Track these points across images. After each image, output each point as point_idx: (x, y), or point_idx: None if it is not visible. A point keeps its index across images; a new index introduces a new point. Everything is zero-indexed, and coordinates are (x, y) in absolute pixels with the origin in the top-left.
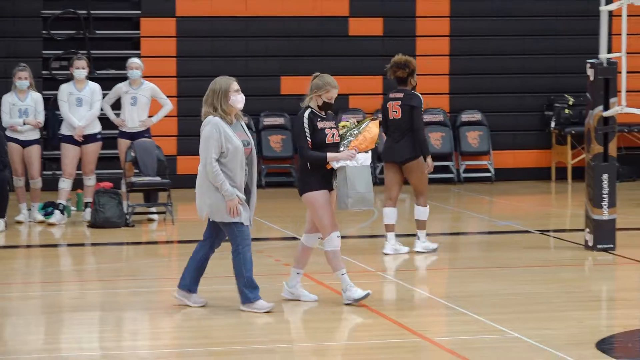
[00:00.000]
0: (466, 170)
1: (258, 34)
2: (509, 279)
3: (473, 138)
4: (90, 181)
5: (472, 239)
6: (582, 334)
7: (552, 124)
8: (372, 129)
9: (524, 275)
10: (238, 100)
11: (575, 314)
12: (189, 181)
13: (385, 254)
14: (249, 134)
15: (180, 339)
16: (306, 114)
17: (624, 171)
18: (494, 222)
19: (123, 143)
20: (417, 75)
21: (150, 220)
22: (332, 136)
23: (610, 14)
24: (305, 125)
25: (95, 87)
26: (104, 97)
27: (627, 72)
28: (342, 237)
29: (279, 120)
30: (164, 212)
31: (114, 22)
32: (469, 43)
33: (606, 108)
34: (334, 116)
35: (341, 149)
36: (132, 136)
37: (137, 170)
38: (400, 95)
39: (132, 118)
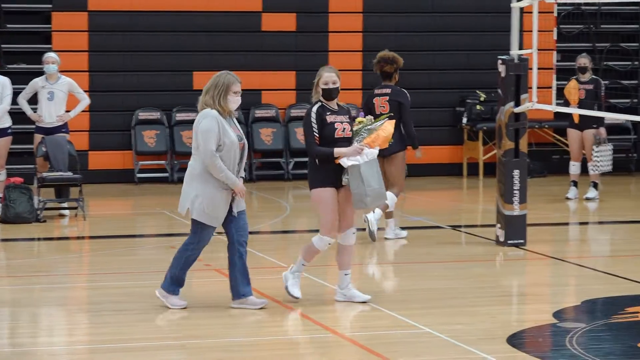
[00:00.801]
0: None
1: (170, 28)
2: (421, 275)
3: None
4: (0, 176)
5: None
6: (493, 329)
7: (464, 120)
8: (387, 128)
9: (436, 271)
10: (234, 101)
11: (486, 309)
12: (100, 176)
13: (386, 239)
14: (240, 129)
15: (94, 335)
16: (314, 108)
17: (534, 167)
18: (406, 218)
19: (39, 139)
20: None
21: (62, 215)
22: (343, 130)
23: (522, 10)
24: (313, 119)
25: (5, 81)
26: (20, 92)
27: (538, 69)
28: (254, 232)
29: (192, 116)
30: (75, 208)
31: (25, 16)
32: (382, 39)
33: (517, 104)
34: (348, 110)
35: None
36: (49, 131)
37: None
38: (388, 90)
39: (50, 113)
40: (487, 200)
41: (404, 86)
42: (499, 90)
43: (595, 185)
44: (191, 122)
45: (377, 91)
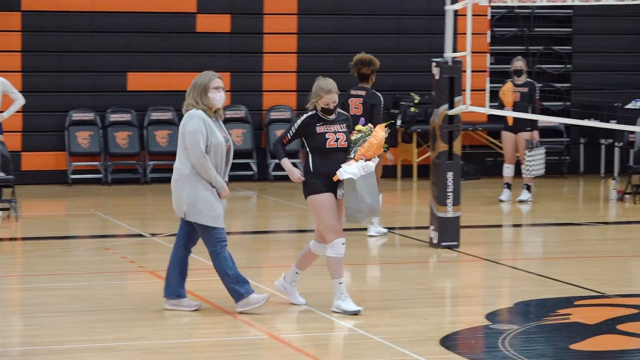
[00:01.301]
0: None
1: (104, 29)
2: (355, 276)
3: None
4: None
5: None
6: (426, 331)
7: (398, 122)
8: (378, 134)
9: (370, 273)
10: (216, 98)
11: (419, 311)
12: (33, 177)
13: (370, 236)
14: (227, 132)
15: (27, 337)
16: (304, 116)
17: (468, 169)
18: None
19: None
20: (266, 72)
21: None
22: (336, 141)
23: (456, 13)
24: (295, 126)
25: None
26: None
27: (472, 71)
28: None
29: (125, 117)
30: (7, 209)
31: None
32: (316, 40)
33: (451, 106)
34: (347, 119)
35: (350, 155)
36: None
37: None
38: (363, 92)
39: None
40: (421, 202)
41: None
42: (433, 93)
43: (528, 188)
44: (125, 123)
45: (352, 92)
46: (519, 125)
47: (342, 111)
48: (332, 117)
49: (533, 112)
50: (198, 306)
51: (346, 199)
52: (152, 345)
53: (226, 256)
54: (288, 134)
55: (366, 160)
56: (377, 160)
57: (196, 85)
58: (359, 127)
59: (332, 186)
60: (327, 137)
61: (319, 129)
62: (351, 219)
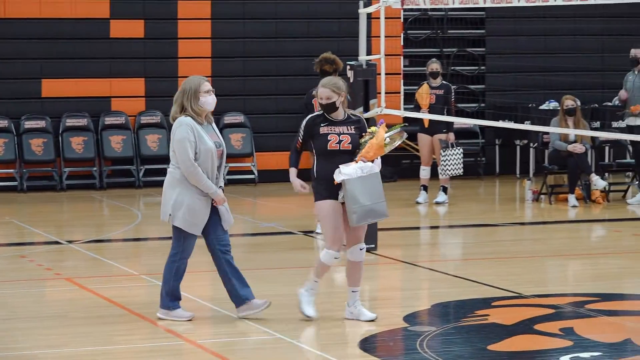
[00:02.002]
0: (230, 172)
1: (18, 35)
2: (273, 281)
3: (236, 140)
4: None
5: (236, 241)
6: (345, 334)
7: None
8: (379, 134)
9: (288, 277)
10: (208, 101)
11: (338, 314)
12: None
13: None
14: (220, 135)
15: None
16: (310, 116)
17: (384, 172)
18: (257, 224)
19: None
20: (182, 77)
21: None
22: (339, 142)
23: (369, 16)
24: (302, 127)
25: None
26: None
27: (386, 74)
28: (102, 241)
29: (40, 124)
30: None
31: None
32: (230, 45)
33: (366, 109)
34: (358, 121)
35: (356, 157)
36: None
37: None
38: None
39: None
40: None
41: (251, 93)
42: (348, 96)
43: (444, 190)
44: (40, 130)
45: (314, 92)
46: (435, 128)
47: (354, 113)
48: (340, 117)
49: (448, 114)
50: (266, 305)
51: (345, 202)
52: (70, 353)
53: (180, 268)
54: (299, 138)
55: (366, 161)
56: (379, 161)
57: (185, 91)
58: (372, 128)
59: (335, 191)
60: (329, 138)
61: (323, 129)
62: (349, 222)
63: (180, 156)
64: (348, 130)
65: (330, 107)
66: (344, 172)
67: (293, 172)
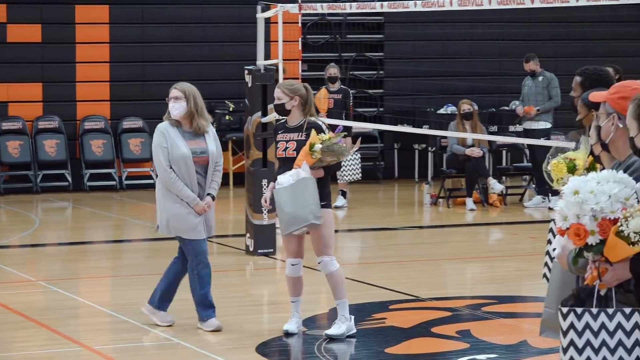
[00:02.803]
0: (128, 177)
1: None
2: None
3: (135, 145)
4: None
5: (135, 246)
6: (242, 338)
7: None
8: (309, 140)
9: (187, 282)
10: (170, 108)
11: (236, 319)
12: None
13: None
14: (212, 144)
15: None
16: (276, 122)
17: None
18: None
19: None
20: (80, 82)
21: None
22: (284, 150)
23: (267, 21)
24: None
25: None
26: None
27: (284, 79)
28: (3, 247)
29: None
30: None
31: None
32: (128, 50)
33: (265, 114)
34: (312, 128)
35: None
36: None
37: None
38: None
39: None
40: (237, 209)
41: (149, 97)
42: (247, 101)
43: (343, 194)
44: None
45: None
46: (334, 132)
47: (313, 119)
48: (294, 123)
49: (347, 119)
50: (218, 326)
51: None
52: None
53: (202, 274)
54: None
55: (299, 168)
56: (306, 167)
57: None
58: (320, 136)
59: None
60: (279, 145)
61: (279, 136)
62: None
63: (155, 163)
64: (299, 137)
65: (280, 109)
66: (278, 182)
67: (271, 184)
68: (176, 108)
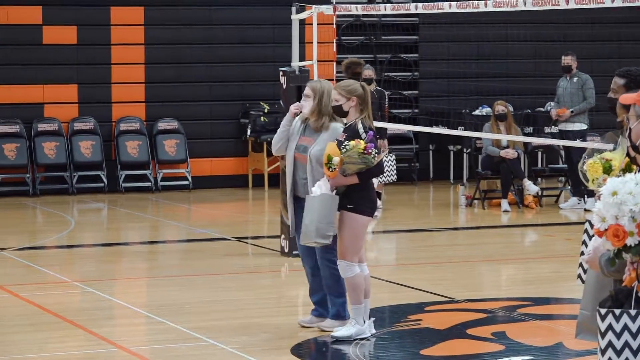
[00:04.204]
0: (164, 179)
1: None
2: (207, 287)
3: (170, 146)
4: None
5: (171, 247)
6: (277, 340)
7: (248, 132)
8: (327, 151)
9: (222, 283)
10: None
11: (271, 320)
12: None
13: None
14: (319, 144)
15: None
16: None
17: None
18: (192, 230)
19: None
20: (115, 84)
21: None
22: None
23: (302, 22)
24: None
25: None
26: None
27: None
28: (35, 248)
29: None
30: None
31: None
32: (163, 51)
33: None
34: (325, 131)
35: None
36: None
37: None
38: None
39: None
40: (272, 211)
41: (184, 99)
42: (282, 102)
43: (378, 195)
44: None
45: None
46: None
47: (350, 123)
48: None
49: (382, 120)
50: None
51: None
52: None
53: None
54: None
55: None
56: (325, 182)
57: None
58: (351, 142)
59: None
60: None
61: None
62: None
63: None
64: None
65: (338, 110)
66: (313, 188)
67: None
68: (303, 105)
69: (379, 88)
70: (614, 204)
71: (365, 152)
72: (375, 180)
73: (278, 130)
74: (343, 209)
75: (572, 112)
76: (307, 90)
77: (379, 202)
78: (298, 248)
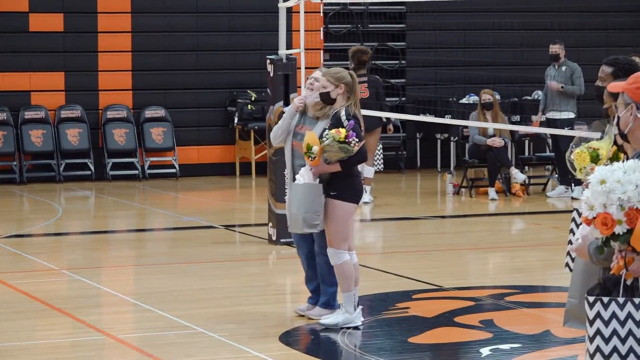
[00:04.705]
0: (151, 167)
1: None
2: (195, 275)
3: (157, 134)
4: None
5: (158, 235)
6: (265, 327)
7: (235, 120)
8: (305, 140)
9: (210, 271)
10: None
11: (259, 308)
12: None
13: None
14: (321, 132)
15: None
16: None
17: None
18: (179, 218)
19: None
20: (102, 71)
21: None
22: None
23: (289, 10)
24: None
25: None
26: None
27: (306, 68)
28: (22, 235)
29: None
30: None
31: None
32: (150, 39)
33: (287, 103)
34: (333, 122)
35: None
36: None
37: None
38: (365, 78)
39: None
40: (259, 199)
41: (171, 87)
42: (269, 90)
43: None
44: None
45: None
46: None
47: (341, 112)
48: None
49: (381, 110)
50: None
51: None
52: None
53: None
54: None
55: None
56: (307, 171)
57: None
58: (332, 132)
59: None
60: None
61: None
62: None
63: None
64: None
65: (325, 97)
66: (298, 175)
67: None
68: (307, 95)
69: (376, 77)
70: (602, 192)
71: (346, 140)
72: (371, 169)
73: (279, 123)
74: (327, 197)
75: (562, 87)
76: (323, 80)
77: (369, 197)
78: (292, 236)
